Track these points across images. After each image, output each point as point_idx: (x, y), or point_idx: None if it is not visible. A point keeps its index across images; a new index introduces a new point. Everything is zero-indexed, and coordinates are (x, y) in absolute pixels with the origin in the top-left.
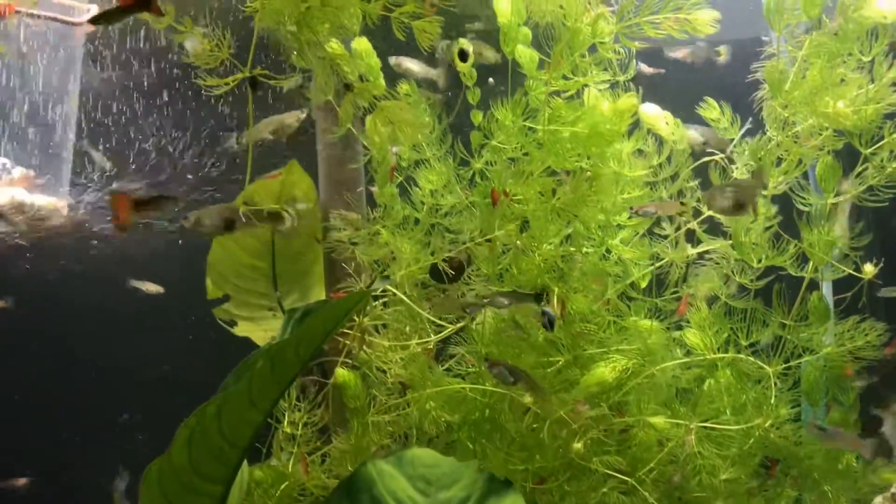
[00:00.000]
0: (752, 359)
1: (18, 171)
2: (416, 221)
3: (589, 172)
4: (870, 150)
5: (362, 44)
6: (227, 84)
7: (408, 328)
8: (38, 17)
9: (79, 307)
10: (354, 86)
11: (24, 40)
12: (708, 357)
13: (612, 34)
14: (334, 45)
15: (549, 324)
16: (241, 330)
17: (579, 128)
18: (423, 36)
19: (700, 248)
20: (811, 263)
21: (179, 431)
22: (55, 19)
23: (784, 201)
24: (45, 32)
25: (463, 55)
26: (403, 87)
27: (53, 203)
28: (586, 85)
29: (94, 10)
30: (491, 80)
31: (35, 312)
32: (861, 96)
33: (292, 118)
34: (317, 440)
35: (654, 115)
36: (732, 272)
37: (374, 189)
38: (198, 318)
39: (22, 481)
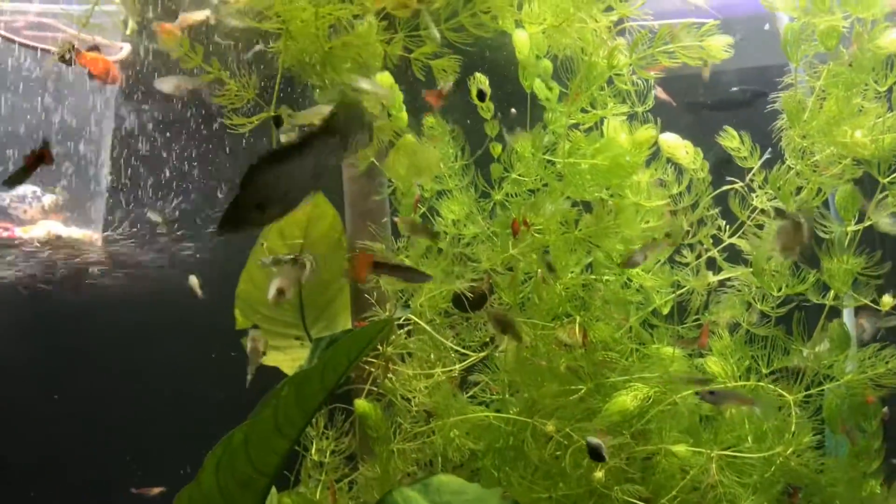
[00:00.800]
0: (772, 386)
1: (48, 199)
2: (440, 251)
3: (610, 203)
4: (888, 179)
5: (385, 78)
6: (251, 123)
7: (432, 356)
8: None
9: (117, 334)
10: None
11: (59, 75)
12: (729, 385)
13: (629, 66)
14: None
15: (595, 454)
16: (269, 360)
17: (599, 160)
18: (442, 75)
19: (721, 276)
20: (832, 291)
21: (208, 459)
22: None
23: None
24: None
25: (481, 95)
26: (429, 119)
27: (88, 235)
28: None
29: (127, 48)
30: (513, 110)
31: (77, 341)
32: (878, 125)
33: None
34: (344, 467)
35: (675, 143)
36: (754, 299)
37: (398, 220)
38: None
39: (157, 490)
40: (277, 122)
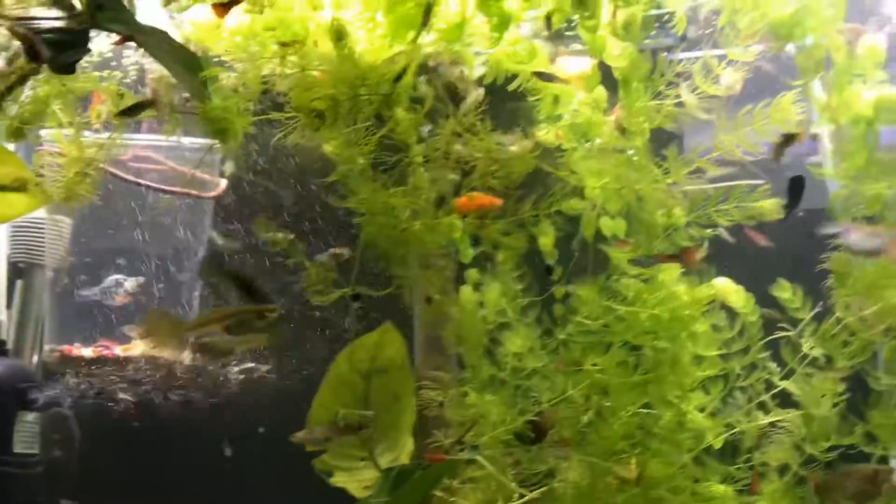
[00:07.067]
0: None
1: (130, 283)
2: (503, 382)
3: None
4: None
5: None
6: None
7: (492, 485)
8: (174, 192)
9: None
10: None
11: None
12: None
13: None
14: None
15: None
16: (337, 480)
17: (659, 311)
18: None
19: (770, 418)
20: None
21: None
22: (188, 194)
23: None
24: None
25: (549, 270)
26: (500, 255)
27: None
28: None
29: (224, 184)
30: (574, 246)
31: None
32: None
33: None
34: None
35: (727, 287)
36: (804, 441)
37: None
38: None
39: None
40: (356, 297)
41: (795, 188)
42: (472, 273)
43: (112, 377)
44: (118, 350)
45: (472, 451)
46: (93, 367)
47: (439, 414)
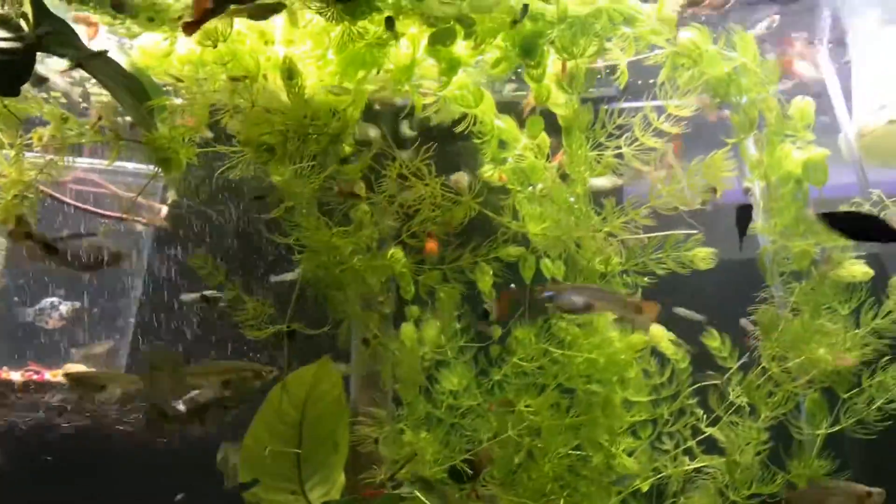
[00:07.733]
0: None
1: (65, 307)
2: (438, 420)
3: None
4: (847, 395)
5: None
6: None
7: None
8: (120, 218)
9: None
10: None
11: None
12: None
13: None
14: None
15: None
16: None
17: (595, 355)
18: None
19: (696, 464)
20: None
21: None
22: (128, 219)
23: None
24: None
25: (485, 314)
26: (443, 291)
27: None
28: None
29: (165, 210)
30: (513, 285)
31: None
32: (840, 344)
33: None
34: None
35: (659, 333)
36: (726, 487)
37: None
38: None
39: None
40: (291, 334)
41: (742, 217)
42: (414, 310)
43: (40, 403)
44: (48, 375)
45: (411, 486)
46: (21, 392)
47: (373, 450)
